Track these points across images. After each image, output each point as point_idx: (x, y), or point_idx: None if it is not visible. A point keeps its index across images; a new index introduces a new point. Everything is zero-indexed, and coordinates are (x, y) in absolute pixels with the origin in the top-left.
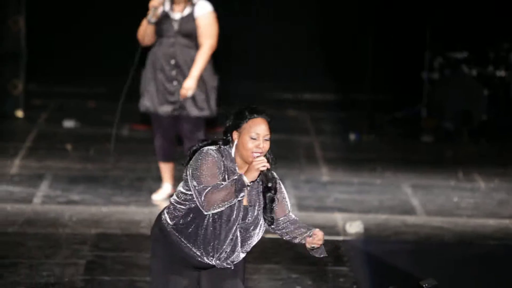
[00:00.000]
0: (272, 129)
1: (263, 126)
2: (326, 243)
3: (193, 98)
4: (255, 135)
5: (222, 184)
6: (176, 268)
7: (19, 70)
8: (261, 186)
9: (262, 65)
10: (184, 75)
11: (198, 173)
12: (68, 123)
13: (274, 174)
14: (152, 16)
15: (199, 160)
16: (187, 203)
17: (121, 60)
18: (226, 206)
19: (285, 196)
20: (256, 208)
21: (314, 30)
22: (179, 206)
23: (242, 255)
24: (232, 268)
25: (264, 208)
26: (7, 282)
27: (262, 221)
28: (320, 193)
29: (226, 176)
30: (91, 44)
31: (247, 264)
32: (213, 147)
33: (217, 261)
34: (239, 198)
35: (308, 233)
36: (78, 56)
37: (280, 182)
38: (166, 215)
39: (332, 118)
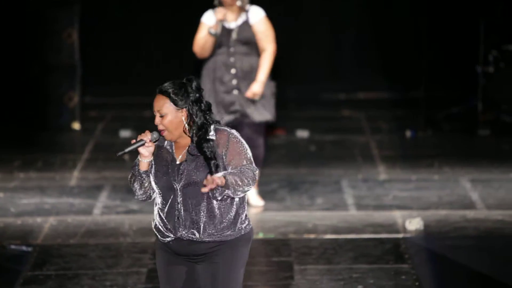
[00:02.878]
0: (176, 102)
1: (157, 102)
2: (386, 240)
3: (254, 104)
4: (154, 111)
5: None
6: (174, 259)
7: (74, 83)
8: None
9: (315, 66)
10: (244, 84)
11: None
12: (125, 133)
13: (211, 142)
14: (215, 29)
15: None
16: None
17: (175, 70)
18: (142, 186)
19: (239, 143)
20: (199, 166)
21: (366, 28)
22: None
23: (203, 221)
24: (200, 239)
25: (210, 173)
26: None
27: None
28: (378, 192)
29: (157, 156)
30: (145, 55)
31: (239, 255)
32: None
33: (182, 232)
34: (141, 172)
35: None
36: (132, 66)
37: (232, 133)
38: None
39: (387, 116)
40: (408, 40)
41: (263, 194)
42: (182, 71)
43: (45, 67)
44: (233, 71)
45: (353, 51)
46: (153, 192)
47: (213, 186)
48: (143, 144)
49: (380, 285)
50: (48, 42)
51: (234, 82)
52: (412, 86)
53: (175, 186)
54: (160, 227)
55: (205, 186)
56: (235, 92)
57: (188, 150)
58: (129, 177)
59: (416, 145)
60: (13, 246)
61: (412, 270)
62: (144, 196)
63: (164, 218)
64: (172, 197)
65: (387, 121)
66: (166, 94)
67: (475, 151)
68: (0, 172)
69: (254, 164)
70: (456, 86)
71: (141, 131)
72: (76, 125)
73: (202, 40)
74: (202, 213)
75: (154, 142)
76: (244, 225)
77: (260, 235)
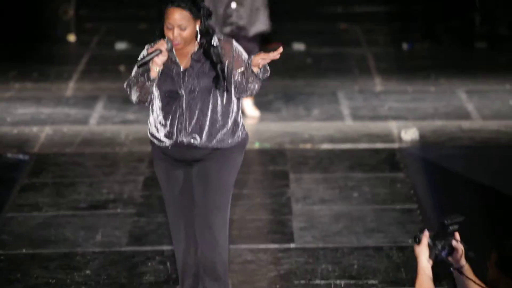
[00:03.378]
0: (194, 14)
1: (175, 15)
2: (382, 150)
3: (248, 18)
4: (169, 24)
5: (136, 77)
6: (171, 164)
7: None
8: (208, 61)
9: None
10: None
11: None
12: (120, 45)
13: (217, 48)
14: None
15: None
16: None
17: None
18: (145, 92)
19: (241, 53)
20: (206, 73)
21: None
22: None
23: (207, 127)
24: (200, 144)
25: (217, 78)
26: (68, 200)
27: (216, 91)
28: (374, 103)
29: (165, 66)
30: None
31: (233, 159)
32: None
33: (184, 137)
34: (154, 82)
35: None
36: None
37: (233, 42)
38: None
39: (384, 29)
40: None
41: (258, 105)
42: None
43: None
44: None
45: None
46: (151, 98)
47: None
48: (159, 53)
49: (376, 193)
50: None
51: None
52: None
53: (180, 92)
54: (157, 133)
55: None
56: (233, 5)
57: (192, 57)
58: (131, 81)
59: (413, 57)
60: (9, 155)
61: (407, 179)
62: (143, 98)
63: (164, 124)
64: (175, 102)
65: (384, 34)
66: (184, 7)
67: (471, 63)
68: None
69: None
70: None
71: (136, 43)
72: (72, 37)
73: None
74: (206, 118)
75: (168, 51)
76: (241, 132)
77: (256, 145)
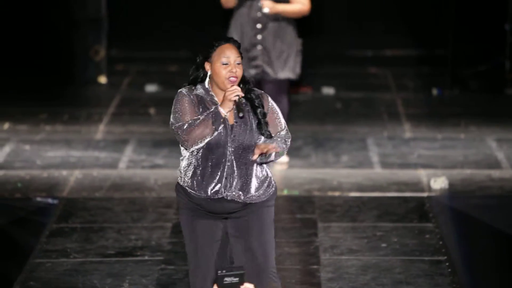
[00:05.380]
0: (241, 53)
1: (232, 50)
2: (410, 199)
3: (276, 62)
4: (226, 60)
5: (199, 118)
6: (200, 215)
7: (101, 36)
8: (249, 106)
9: (341, 23)
10: (268, 41)
11: (175, 114)
12: (151, 88)
13: (257, 92)
14: None
15: (174, 102)
16: (183, 152)
17: (202, 23)
18: (208, 139)
19: (276, 113)
20: (249, 127)
21: None
22: (181, 158)
23: (251, 184)
24: (243, 199)
25: (259, 124)
26: (96, 246)
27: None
28: (404, 150)
29: (205, 109)
30: (171, 8)
31: (269, 210)
32: (185, 87)
33: (228, 193)
34: (218, 130)
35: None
36: (159, 20)
37: (269, 99)
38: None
39: (413, 74)
40: None
41: (288, 150)
42: (209, 25)
43: (71, 21)
44: (258, 26)
45: (380, 7)
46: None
47: (265, 151)
48: (239, 97)
49: (404, 244)
50: None
51: (259, 37)
52: (439, 44)
53: (226, 146)
54: (191, 185)
55: (257, 150)
56: (259, 47)
57: (238, 102)
58: (188, 124)
59: (442, 103)
60: (39, 199)
61: (436, 229)
62: (195, 142)
63: (203, 176)
64: (219, 156)
65: (414, 79)
66: (238, 46)
67: (501, 110)
68: (27, 125)
69: (288, 131)
70: (483, 44)
71: (167, 85)
72: (102, 79)
73: None
74: (251, 174)
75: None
76: (272, 183)
77: (285, 192)
